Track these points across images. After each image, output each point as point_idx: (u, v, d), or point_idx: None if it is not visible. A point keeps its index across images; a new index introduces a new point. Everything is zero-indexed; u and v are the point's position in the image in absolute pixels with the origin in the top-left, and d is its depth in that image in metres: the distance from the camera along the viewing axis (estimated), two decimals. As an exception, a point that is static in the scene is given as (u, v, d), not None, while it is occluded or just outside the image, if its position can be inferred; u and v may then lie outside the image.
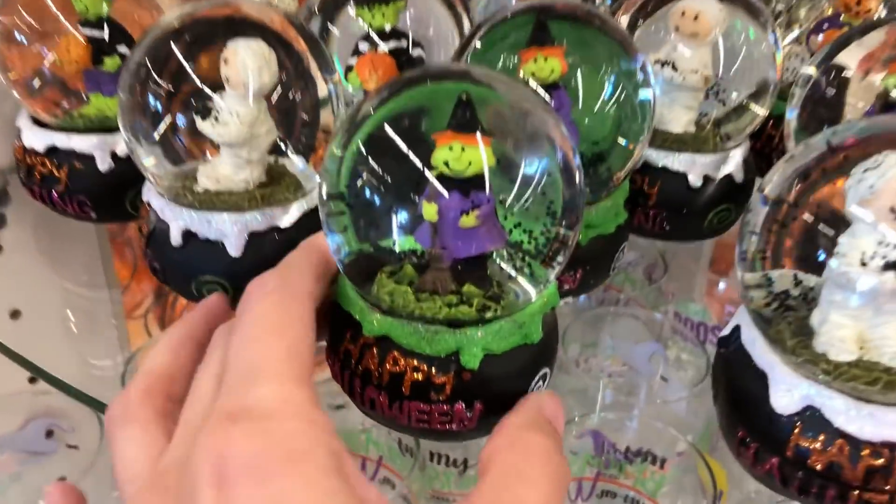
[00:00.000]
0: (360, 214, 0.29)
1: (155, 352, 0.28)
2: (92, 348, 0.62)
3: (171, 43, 0.37)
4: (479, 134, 0.26)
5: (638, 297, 0.65)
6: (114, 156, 0.46)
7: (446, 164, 0.26)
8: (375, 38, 0.45)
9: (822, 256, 0.29)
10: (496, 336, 0.28)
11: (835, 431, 0.28)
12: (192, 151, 0.39)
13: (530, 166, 0.28)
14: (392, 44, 0.45)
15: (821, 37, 0.51)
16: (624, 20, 0.47)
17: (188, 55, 0.37)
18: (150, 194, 0.40)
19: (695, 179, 0.45)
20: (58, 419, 0.55)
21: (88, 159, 0.46)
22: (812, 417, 0.29)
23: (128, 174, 0.42)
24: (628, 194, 0.43)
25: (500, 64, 0.39)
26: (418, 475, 0.48)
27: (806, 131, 0.41)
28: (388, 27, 0.45)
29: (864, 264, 0.28)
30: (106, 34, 0.46)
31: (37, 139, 0.46)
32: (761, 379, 0.30)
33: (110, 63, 0.46)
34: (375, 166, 0.28)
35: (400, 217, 0.28)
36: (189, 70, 0.37)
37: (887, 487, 0.28)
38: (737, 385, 0.32)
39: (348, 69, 0.45)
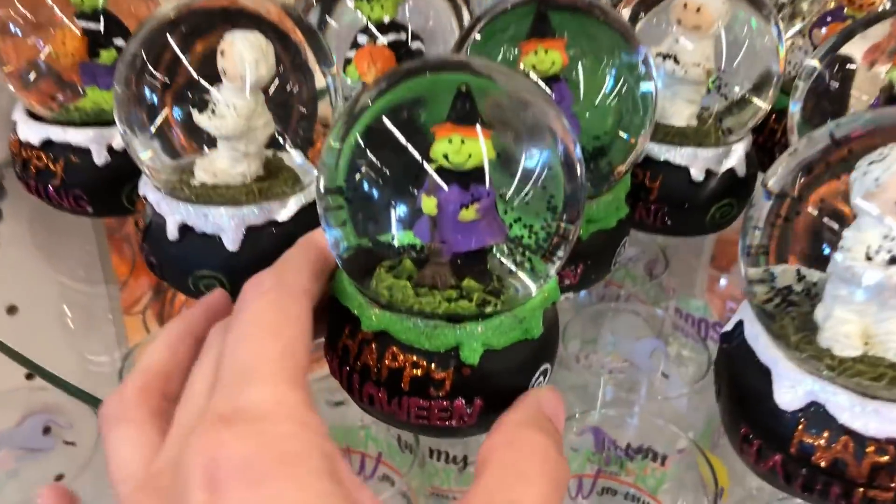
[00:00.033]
0: (358, 208, 0.28)
1: (152, 349, 0.27)
2: (89, 344, 0.61)
3: (168, 34, 0.37)
4: (478, 126, 0.25)
5: (639, 292, 0.64)
6: (110, 149, 0.46)
7: (446, 156, 0.25)
8: (374, 30, 0.45)
9: (826, 251, 0.29)
10: (496, 331, 0.27)
11: (839, 428, 0.28)
12: (188, 145, 0.38)
13: (531, 159, 0.27)
14: (391, 36, 0.45)
15: (824, 30, 0.51)
16: (625, 13, 0.47)
17: (185, 47, 0.37)
18: (146, 188, 0.39)
19: (697, 173, 0.45)
20: (55, 415, 0.55)
21: (84, 153, 0.46)
22: (816, 414, 0.28)
23: (124, 168, 0.42)
24: (630, 188, 0.43)
25: (501, 56, 0.38)
26: (418, 472, 0.48)
27: (809, 124, 0.41)
28: (386, 19, 0.45)
29: (869, 258, 0.27)
30: (102, 26, 0.45)
31: (32, 133, 0.46)
32: (765, 375, 0.30)
33: (106, 56, 0.46)
34: (374, 159, 0.27)
35: (399, 211, 0.27)
36: (185, 62, 0.37)
37: (892, 485, 0.27)
38: (740, 381, 0.31)
39: (347, 62, 0.44)
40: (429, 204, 0.26)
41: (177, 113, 0.37)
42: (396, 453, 0.51)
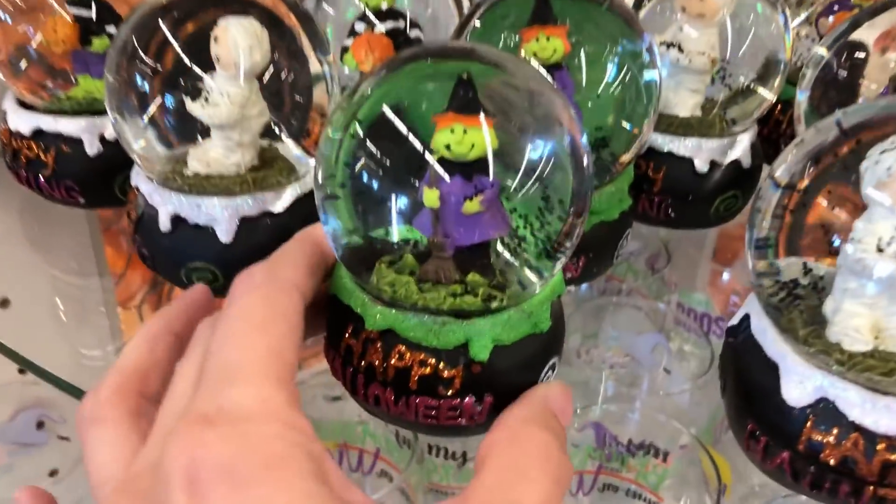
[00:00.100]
0: (357, 200, 0.27)
1: (129, 347, 0.27)
2: (83, 338, 0.61)
3: (160, 21, 0.36)
4: (482, 115, 0.25)
5: (640, 287, 0.64)
6: (102, 139, 0.45)
7: (448, 147, 0.25)
8: (372, 17, 0.44)
9: (836, 242, 0.28)
10: (505, 326, 0.26)
11: (849, 425, 0.27)
12: (181, 134, 0.37)
13: (536, 150, 0.27)
14: (389, 24, 0.44)
15: (831, 19, 0.50)
16: (629, 0, 0.46)
17: (177, 33, 0.36)
18: (138, 178, 0.39)
19: (701, 165, 0.44)
20: (48, 410, 0.55)
21: (76, 143, 0.45)
22: (825, 410, 0.28)
23: (117, 158, 0.41)
24: (632, 180, 0.42)
25: (501, 44, 0.37)
26: (416, 468, 0.47)
27: (817, 113, 0.40)
28: (384, 6, 0.44)
29: (880, 250, 0.27)
30: (94, 13, 0.45)
31: (22, 122, 0.45)
32: (772, 370, 0.29)
33: (98, 43, 0.45)
34: (373, 150, 0.27)
35: (399, 203, 0.27)
36: (178, 49, 0.36)
37: (904, 483, 0.27)
38: (746, 376, 0.31)
39: (344, 50, 0.44)
40: (430, 196, 0.25)
41: (169, 101, 0.37)
42: (395, 449, 0.50)
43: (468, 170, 0.25)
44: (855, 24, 0.40)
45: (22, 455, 0.54)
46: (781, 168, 0.31)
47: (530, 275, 0.28)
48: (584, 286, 0.62)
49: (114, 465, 0.23)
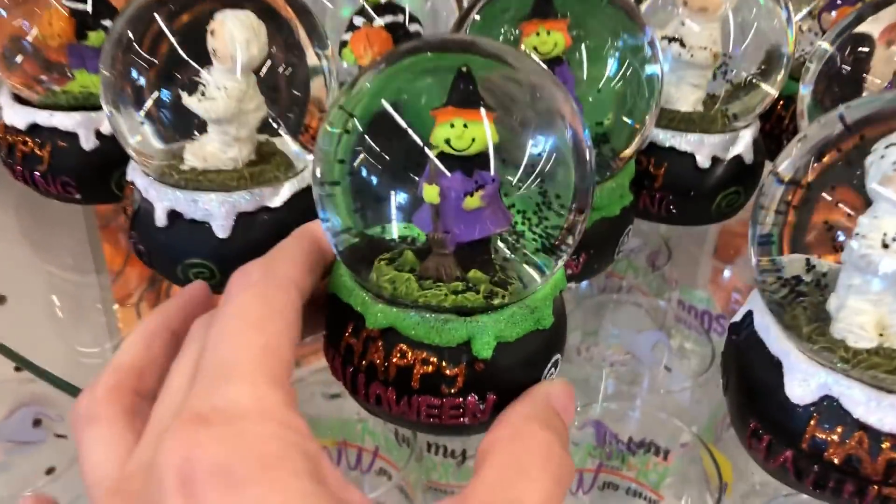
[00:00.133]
0: (356, 196, 0.27)
1: (126, 344, 0.26)
2: (80, 335, 0.60)
3: (156, 14, 0.36)
4: (482, 109, 0.24)
5: (641, 284, 0.64)
6: (98, 134, 0.45)
7: (447, 142, 0.24)
8: (371, 11, 0.43)
9: (840, 238, 0.28)
10: (508, 323, 0.26)
11: (853, 423, 0.27)
12: (178, 128, 0.37)
13: (537, 145, 0.26)
14: (388, 18, 0.43)
15: (833, 13, 0.49)
16: (630, -6, 0.45)
17: (173, 27, 0.36)
18: (134, 173, 0.38)
19: (703, 160, 0.44)
20: (45, 408, 0.54)
21: (72, 138, 0.44)
22: (829, 408, 0.27)
23: (113, 153, 0.41)
24: (634, 176, 0.42)
25: (501, 38, 0.37)
26: (415, 466, 0.47)
27: (820, 108, 0.40)
28: (383, 0, 0.43)
29: (885, 246, 0.26)
30: (90, 7, 0.44)
31: (18, 117, 0.45)
32: (775, 367, 0.29)
33: (95, 37, 0.45)
34: (372, 145, 0.26)
35: (399, 199, 0.26)
36: (174, 42, 0.35)
37: (909, 482, 0.26)
38: (749, 374, 0.30)
39: (342, 44, 0.43)
40: (430, 192, 0.25)
41: (165, 95, 0.36)
42: (394, 447, 0.50)
43: (468, 165, 0.25)
44: (859, 18, 0.40)
45: (19, 453, 0.53)
46: (785, 163, 0.31)
47: (532, 271, 0.28)
48: (584, 283, 0.61)
49: (108, 464, 0.23)
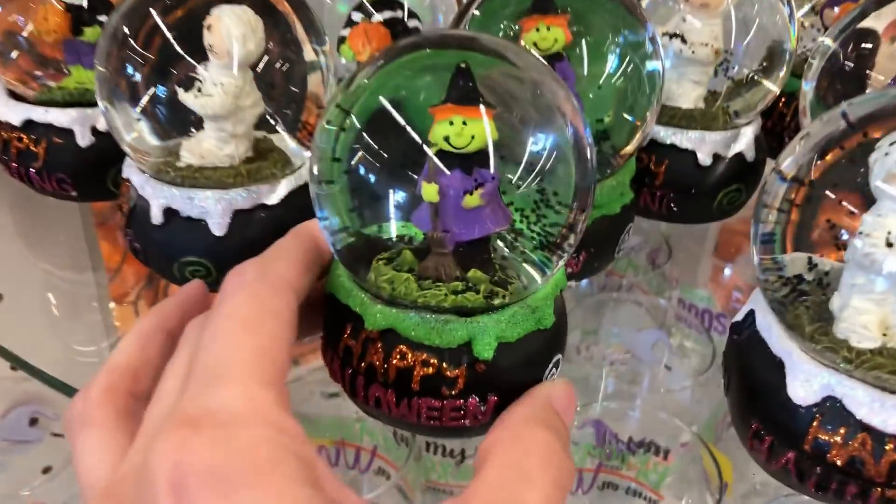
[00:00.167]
0: (353, 194, 0.27)
1: (121, 345, 0.26)
2: (76, 334, 0.60)
3: (152, 9, 0.36)
4: (481, 106, 0.24)
5: (641, 282, 0.63)
6: (94, 131, 0.44)
7: (446, 139, 0.24)
8: (369, 7, 0.43)
9: (844, 237, 0.27)
10: (509, 323, 0.26)
11: (857, 424, 0.26)
12: (174, 125, 0.37)
13: (538, 142, 0.26)
14: (387, 13, 0.43)
15: (836, 9, 0.49)
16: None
17: (169, 22, 0.35)
18: (130, 170, 0.38)
19: (704, 158, 0.44)
20: (42, 406, 0.54)
21: (67, 134, 0.44)
22: (832, 409, 0.27)
23: (109, 150, 0.40)
24: (634, 173, 0.42)
25: (501, 33, 0.37)
26: (414, 466, 0.47)
27: (823, 105, 0.40)
28: (382, -4, 0.43)
29: (889, 244, 0.26)
30: (86, 2, 0.44)
31: (13, 113, 0.44)
32: (778, 367, 0.29)
33: (91, 33, 0.44)
34: (370, 143, 0.26)
35: (397, 197, 0.26)
36: (170, 38, 0.35)
37: (913, 484, 0.26)
38: (751, 374, 0.30)
39: (341, 40, 0.43)
40: (429, 191, 0.25)
41: (161, 91, 0.36)
42: (392, 447, 0.50)
43: (468, 163, 0.24)
44: (862, 14, 0.39)
45: (15, 452, 0.53)
46: (787, 161, 0.30)
47: (533, 270, 0.27)
48: (584, 282, 0.61)
49: (102, 467, 0.23)
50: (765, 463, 0.29)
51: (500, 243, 0.28)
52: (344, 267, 0.27)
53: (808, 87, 0.41)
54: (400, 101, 0.26)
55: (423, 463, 0.51)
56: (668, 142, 0.44)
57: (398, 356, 0.26)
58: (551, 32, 0.34)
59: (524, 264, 0.27)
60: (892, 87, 0.38)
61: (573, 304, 0.58)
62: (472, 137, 0.24)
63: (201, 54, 0.34)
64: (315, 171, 0.27)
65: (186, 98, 0.35)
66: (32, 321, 0.58)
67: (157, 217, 0.36)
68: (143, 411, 0.23)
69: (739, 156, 0.45)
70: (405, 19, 0.44)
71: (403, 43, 0.28)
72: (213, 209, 0.35)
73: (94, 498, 0.22)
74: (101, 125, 0.44)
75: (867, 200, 0.27)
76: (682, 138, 0.44)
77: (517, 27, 0.35)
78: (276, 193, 0.37)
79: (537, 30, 0.34)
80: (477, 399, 0.25)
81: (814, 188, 0.29)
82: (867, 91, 0.39)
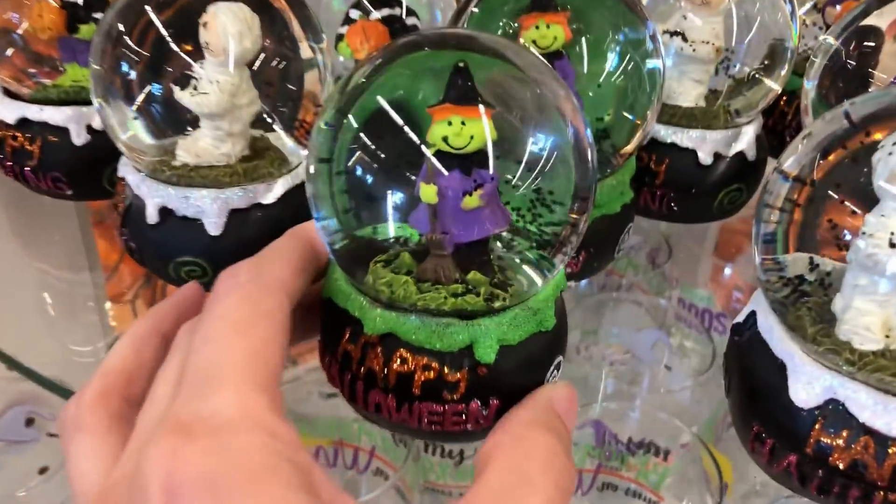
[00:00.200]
0: (351, 196, 0.26)
1: (115, 349, 0.26)
2: (72, 334, 0.60)
3: (147, 6, 0.35)
4: (480, 106, 0.24)
5: (641, 282, 0.63)
6: (90, 129, 0.44)
7: (445, 140, 0.24)
8: (367, 4, 0.43)
9: (846, 237, 0.27)
10: (511, 325, 0.25)
11: (859, 427, 0.26)
12: (169, 123, 0.36)
13: (537, 143, 0.26)
14: (385, 11, 0.43)
15: (838, 7, 0.49)
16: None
17: (165, 19, 0.35)
18: (125, 169, 0.38)
19: (705, 157, 0.43)
20: (38, 407, 0.54)
21: (63, 132, 0.44)
22: (835, 412, 0.27)
23: (105, 148, 0.40)
24: (634, 172, 0.41)
25: (500, 31, 0.36)
26: (412, 466, 0.47)
27: (825, 103, 0.39)
28: (380, -7, 0.43)
29: (893, 245, 0.26)
30: (81, -1, 0.43)
31: (7, 111, 0.44)
32: (779, 369, 0.28)
33: (87, 30, 0.44)
34: (367, 143, 0.26)
35: (395, 199, 0.26)
36: (166, 35, 0.35)
37: (916, 488, 0.26)
38: (752, 376, 0.30)
39: (338, 38, 0.43)
40: (428, 192, 0.24)
41: (157, 90, 0.36)
42: (391, 447, 0.50)
43: (467, 163, 0.24)
44: (865, 12, 0.39)
45: (11, 452, 0.53)
46: (790, 161, 0.30)
47: (533, 272, 0.27)
48: (583, 281, 0.61)
49: (95, 473, 0.22)
50: (766, 466, 0.29)
51: (498, 244, 0.27)
52: (341, 269, 0.27)
53: (809, 86, 0.40)
54: (397, 101, 0.25)
55: (422, 463, 0.51)
56: (669, 141, 0.44)
57: (398, 360, 0.25)
58: (551, 30, 0.34)
59: (524, 265, 0.27)
60: (894, 85, 0.38)
61: (572, 303, 0.58)
62: (472, 137, 0.24)
63: (197, 52, 0.34)
64: (311, 171, 0.27)
65: (182, 96, 0.34)
66: (28, 321, 0.58)
67: (152, 216, 0.36)
68: (136, 416, 0.23)
69: (740, 155, 0.44)
70: (403, 17, 0.43)
71: (401, 42, 0.27)
72: (209, 208, 0.35)
73: None
74: (97, 123, 0.44)
75: (870, 200, 0.26)
76: (683, 137, 0.43)
77: (516, 25, 0.35)
78: (272, 193, 0.36)
79: (537, 27, 0.34)
80: (479, 403, 0.25)
81: (816, 188, 0.29)
82: (870, 89, 0.39)
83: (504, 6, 0.37)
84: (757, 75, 0.44)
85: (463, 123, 0.23)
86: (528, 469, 0.22)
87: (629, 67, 0.36)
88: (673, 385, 0.56)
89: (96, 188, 0.45)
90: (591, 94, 0.36)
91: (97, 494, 0.21)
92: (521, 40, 0.34)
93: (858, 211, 0.27)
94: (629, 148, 0.38)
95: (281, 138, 0.38)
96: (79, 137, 0.44)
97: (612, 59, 0.36)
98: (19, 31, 0.44)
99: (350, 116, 0.26)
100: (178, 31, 0.35)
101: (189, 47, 0.34)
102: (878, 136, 0.27)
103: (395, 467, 0.49)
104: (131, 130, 0.36)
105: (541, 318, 0.26)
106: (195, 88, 0.34)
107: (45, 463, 0.51)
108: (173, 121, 0.36)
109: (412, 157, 0.25)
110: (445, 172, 0.24)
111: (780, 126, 0.52)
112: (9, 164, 0.45)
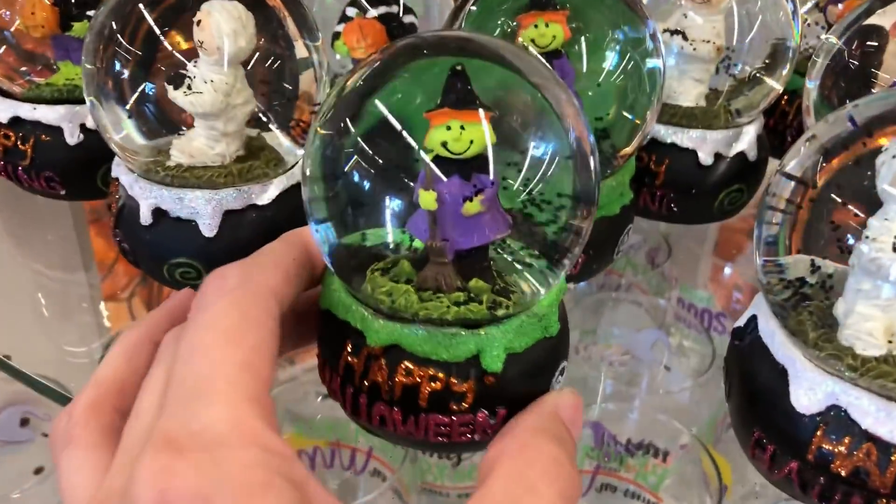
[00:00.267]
0: (347, 200, 0.26)
1: (107, 359, 0.25)
2: (67, 334, 0.59)
3: (140, 3, 0.35)
4: (479, 109, 0.23)
5: (640, 282, 0.63)
6: (83, 128, 0.44)
7: (444, 145, 0.23)
8: (364, 2, 0.42)
9: (849, 240, 0.27)
10: (517, 333, 0.25)
11: (862, 434, 0.26)
12: (163, 123, 0.36)
13: (538, 147, 0.25)
14: (382, 9, 0.42)
15: (840, 6, 0.48)
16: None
17: (158, 17, 0.35)
18: (119, 169, 0.37)
19: (705, 157, 0.43)
20: (33, 407, 0.53)
21: (56, 132, 0.43)
22: (837, 418, 0.26)
23: (99, 148, 0.40)
24: (634, 173, 0.41)
25: (498, 30, 0.36)
26: (409, 467, 0.47)
27: (827, 104, 0.39)
28: (377, -10, 0.42)
29: (896, 250, 0.25)
30: (74, -4, 0.43)
31: (-1, 110, 0.43)
32: (780, 375, 0.28)
33: (80, 28, 0.44)
34: (365, 148, 0.25)
35: (392, 205, 0.25)
36: (159, 34, 0.34)
37: (919, 496, 0.25)
38: (753, 381, 0.29)
39: (335, 36, 0.42)
40: (427, 198, 0.24)
41: (150, 89, 0.35)
42: (388, 448, 0.50)
43: (466, 168, 0.24)
44: (868, 12, 0.39)
45: (6, 453, 0.53)
46: (792, 162, 0.30)
47: (535, 278, 0.27)
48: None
49: (84, 488, 0.22)
50: (767, 472, 0.29)
51: (499, 250, 0.27)
52: (337, 276, 0.26)
53: (811, 86, 0.40)
54: (395, 106, 0.25)
55: (419, 464, 0.51)
56: (669, 141, 0.43)
57: (403, 372, 0.25)
58: (550, 29, 0.34)
59: (525, 272, 0.27)
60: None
61: (571, 304, 0.58)
62: (471, 142, 0.23)
63: (191, 51, 0.33)
64: (307, 175, 0.26)
65: (176, 96, 0.34)
66: (23, 322, 0.58)
67: (146, 217, 0.35)
68: None
69: (741, 155, 0.44)
70: (400, 15, 0.43)
71: (400, 44, 0.27)
72: (204, 209, 0.35)
73: None
74: (91, 123, 0.43)
75: (873, 204, 0.26)
76: (683, 137, 0.43)
77: (515, 23, 0.35)
78: (267, 194, 0.36)
79: (535, 26, 0.34)
80: (486, 413, 0.25)
81: (819, 191, 0.29)
82: (872, 90, 0.38)
83: (502, 4, 0.37)
84: (758, 75, 0.44)
85: (462, 128, 0.23)
86: (532, 477, 0.22)
87: (629, 67, 0.36)
88: (672, 386, 0.56)
89: (90, 188, 0.45)
90: (590, 93, 0.36)
91: None
92: (520, 39, 0.34)
93: (861, 214, 0.26)
94: (629, 149, 0.37)
95: (277, 138, 0.38)
96: (72, 137, 0.43)
97: (611, 59, 0.36)
98: (11, 29, 0.43)
99: (347, 121, 0.25)
100: (171, 30, 0.34)
101: (183, 46, 0.34)
102: (882, 139, 0.27)
103: (392, 468, 0.49)
104: (124, 130, 0.36)
105: (546, 325, 0.26)
106: (189, 88, 0.34)
107: (40, 463, 0.51)
108: (167, 120, 0.36)
109: (410, 163, 0.24)
110: (444, 178, 0.24)
111: (781, 126, 0.52)
112: (1, 163, 0.44)
